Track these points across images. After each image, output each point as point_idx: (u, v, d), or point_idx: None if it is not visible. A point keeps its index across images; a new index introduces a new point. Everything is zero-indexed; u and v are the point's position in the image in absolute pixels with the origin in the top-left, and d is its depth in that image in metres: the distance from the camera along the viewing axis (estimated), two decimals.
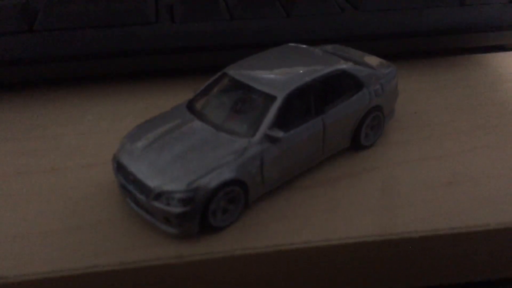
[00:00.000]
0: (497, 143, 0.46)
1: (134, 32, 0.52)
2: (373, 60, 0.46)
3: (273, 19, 0.55)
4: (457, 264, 0.39)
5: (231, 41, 0.53)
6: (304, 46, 0.45)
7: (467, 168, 0.43)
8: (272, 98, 0.37)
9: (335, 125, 0.40)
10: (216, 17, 0.54)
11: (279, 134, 0.36)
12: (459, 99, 0.53)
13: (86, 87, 0.55)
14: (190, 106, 0.40)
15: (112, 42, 0.52)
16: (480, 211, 0.38)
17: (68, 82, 0.55)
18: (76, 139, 0.47)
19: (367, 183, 0.41)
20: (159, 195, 0.34)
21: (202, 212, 0.34)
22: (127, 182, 0.36)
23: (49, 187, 0.41)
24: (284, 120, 0.37)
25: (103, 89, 0.55)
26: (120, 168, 0.37)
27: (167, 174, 0.34)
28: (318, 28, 0.55)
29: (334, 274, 0.38)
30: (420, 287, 0.40)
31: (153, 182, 0.34)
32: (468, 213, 0.38)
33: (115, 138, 0.46)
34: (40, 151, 0.45)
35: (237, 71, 0.40)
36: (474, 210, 0.38)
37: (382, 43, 0.56)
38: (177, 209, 0.34)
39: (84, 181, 0.41)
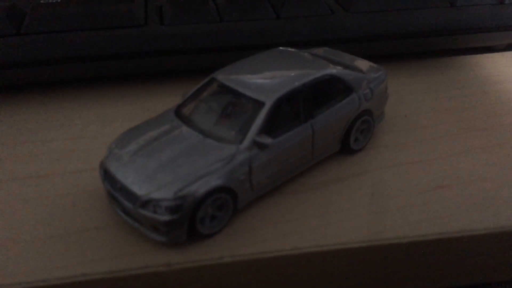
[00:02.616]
0: (487, 145, 0.46)
1: (123, 35, 0.52)
2: (363, 63, 0.46)
3: (263, 21, 0.54)
4: (447, 269, 0.39)
5: (220, 43, 0.53)
6: (293, 50, 0.45)
7: (456, 171, 0.43)
8: (260, 104, 0.37)
9: (325, 130, 0.40)
10: (205, 19, 0.54)
11: (268, 140, 0.36)
12: (449, 101, 0.53)
13: (74, 91, 0.55)
14: (178, 112, 0.40)
15: (101, 45, 0.51)
16: (470, 215, 0.38)
17: (56, 85, 0.55)
18: (64, 144, 0.46)
19: (356, 187, 0.41)
20: (146, 203, 0.34)
21: (190, 220, 0.34)
22: (114, 189, 0.36)
23: (36, 194, 0.40)
24: (272, 126, 0.37)
25: (92, 93, 0.54)
26: (107, 176, 0.36)
27: (155, 181, 0.34)
28: (308, 30, 0.54)
29: (324, 280, 0.38)
30: None
31: (140, 189, 0.34)
32: (458, 217, 0.38)
33: (103, 143, 0.45)
34: (27, 156, 0.45)
35: (226, 76, 0.40)
36: (463, 214, 0.38)
37: (372, 44, 0.56)
38: (164, 217, 0.33)
39: (71, 187, 0.41)
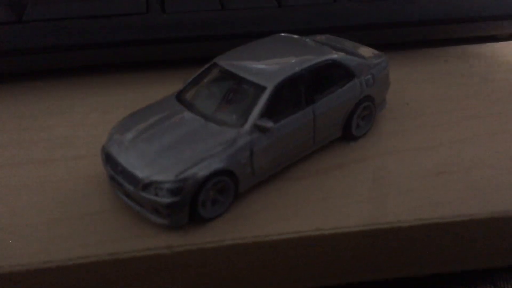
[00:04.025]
0: (488, 133, 0.46)
1: (124, 22, 0.52)
2: (364, 50, 0.46)
3: (265, 9, 0.54)
4: (448, 254, 0.39)
5: (222, 31, 0.53)
6: (295, 36, 0.45)
7: (457, 158, 0.43)
8: (262, 88, 0.37)
9: (326, 115, 0.40)
10: (207, 7, 0.54)
11: (269, 124, 0.36)
12: (450, 89, 0.53)
13: (76, 78, 0.55)
14: (179, 96, 0.40)
15: (102, 33, 0.51)
16: (470, 201, 0.38)
17: (58, 73, 0.55)
18: (66, 130, 0.46)
19: (358, 173, 0.41)
20: (147, 186, 0.34)
21: (192, 203, 0.34)
22: (116, 173, 0.36)
23: (38, 179, 0.40)
24: (274, 110, 0.37)
25: (93, 80, 0.54)
26: (108, 159, 0.36)
27: (156, 164, 0.34)
28: (310, 17, 0.54)
29: (325, 263, 0.38)
30: (412, 276, 0.40)
31: (141, 172, 0.34)
32: (458, 203, 0.38)
33: (105, 130, 0.45)
34: (29, 143, 0.45)
35: (227, 61, 0.40)
36: (464, 200, 0.38)
37: (374, 33, 0.56)
38: (166, 200, 0.33)
39: (73, 173, 0.41)
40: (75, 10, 0.51)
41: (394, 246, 0.38)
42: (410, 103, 0.50)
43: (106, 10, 0.52)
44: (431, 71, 0.56)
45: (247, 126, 0.36)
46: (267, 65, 0.39)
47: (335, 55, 0.41)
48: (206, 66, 0.41)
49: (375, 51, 0.46)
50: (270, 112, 0.37)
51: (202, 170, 0.34)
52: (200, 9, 0.53)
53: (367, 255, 0.38)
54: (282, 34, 0.45)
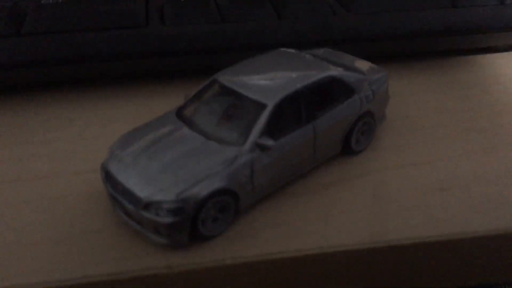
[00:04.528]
0: (489, 146, 0.46)
1: (124, 35, 0.52)
2: (364, 64, 0.46)
3: (265, 22, 0.54)
4: (449, 271, 0.39)
5: (222, 44, 0.53)
6: (295, 51, 0.45)
7: (458, 173, 0.43)
8: (262, 106, 0.37)
9: (326, 132, 0.40)
10: (207, 20, 0.54)
11: (270, 142, 0.36)
12: (451, 102, 0.53)
13: (75, 92, 0.55)
14: (179, 113, 0.40)
15: (101, 46, 0.51)
16: (471, 217, 0.38)
17: (57, 86, 0.55)
18: (65, 144, 0.46)
19: (358, 189, 0.41)
20: (148, 205, 0.34)
21: (192, 222, 0.34)
22: (116, 191, 0.36)
23: (37, 195, 0.40)
24: (274, 128, 0.37)
25: (93, 93, 0.54)
26: (108, 177, 0.36)
27: (156, 183, 0.34)
28: (310, 30, 0.54)
29: (326, 282, 0.38)
30: None
31: (142, 192, 0.34)
32: (459, 219, 0.38)
33: (104, 143, 0.45)
34: (28, 157, 0.45)
35: (227, 78, 0.40)
36: (465, 217, 0.38)
37: (374, 45, 0.56)
38: (166, 219, 0.33)
39: (73, 189, 0.41)
40: (74, 23, 0.51)
41: (395, 263, 0.38)
42: (409, 117, 0.50)
43: (105, 23, 0.52)
44: (430, 83, 0.56)
45: (248, 144, 0.36)
46: (268, 82, 0.39)
47: (335, 72, 0.41)
48: (206, 82, 0.41)
49: (375, 66, 0.46)
50: (270, 129, 0.37)
51: (203, 190, 0.34)
52: (200, 21, 0.53)
53: (368, 272, 0.38)
54: (282, 49, 0.45)
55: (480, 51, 0.63)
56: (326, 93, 0.40)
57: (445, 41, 0.58)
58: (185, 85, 0.53)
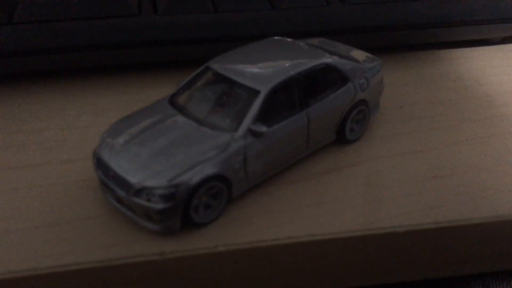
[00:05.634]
0: (482, 136, 0.46)
1: (116, 24, 0.51)
2: (358, 54, 0.46)
3: (258, 11, 0.54)
4: (442, 258, 0.39)
5: (215, 34, 0.53)
6: (289, 39, 0.44)
7: (452, 161, 0.43)
8: (256, 92, 0.37)
9: (320, 120, 0.40)
10: (199, 9, 0.53)
11: (263, 129, 0.36)
12: (444, 93, 0.53)
13: (67, 81, 0.54)
14: (172, 100, 0.40)
15: (94, 35, 0.51)
16: (465, 205, 0.38)
17: (48, 75, 0.54)
18: (57, 133, 0.46)
19: (352, 177, 0.41)
20: (139, 191, 0.33)
21: (184, 208, 0.34)
22: (107, 178, 0.35)
23: (28, 183, 0.40)
24: (267, 115, 0.37)
25: (85, 83, 0.54)
26: (100, 164, 0.36)
27: (148, 169, 0.34)
28: (303, 20, 0.54)
29: (319, 269, 0.38)
30: (405, 281, 0.40)
31: (133, 178, 0.34)
32: (453, 207, 0.38)
33: (96, 133, 0.45)
34: (19, 146, 0.44)
35: (220, 65, 0.40)
36: (458, 204, 0.38)
37: (367, 36, 0.56)
38: (158, 205, 0.33)
39: (64, 177, 0.40)
40: (66, 11, 0.51)
41: (388, 251, 0.38)
42: (403, 107, 0.50)
43: (97, 11, 0.51)
44: (424, 74, 0.56)
45: (241, 130, 0.36)
46: (261, 69, 0.39)
47: (329, 59, 0.41)
48: (199, 69, 0.41)
49: (369, 55, 0.46)
50: (263, 116, 0.36)
51: (195, 176, 0.33)
52: (193, 11, 0.53)
53: (361, 260, 0.38)
54: (276, 37, 0.45)
55: (474, 44, 0.63)
56: (320, 81, 0.40)
57: (439, 33, 0.58)
58: (177, 74, 0.52)
